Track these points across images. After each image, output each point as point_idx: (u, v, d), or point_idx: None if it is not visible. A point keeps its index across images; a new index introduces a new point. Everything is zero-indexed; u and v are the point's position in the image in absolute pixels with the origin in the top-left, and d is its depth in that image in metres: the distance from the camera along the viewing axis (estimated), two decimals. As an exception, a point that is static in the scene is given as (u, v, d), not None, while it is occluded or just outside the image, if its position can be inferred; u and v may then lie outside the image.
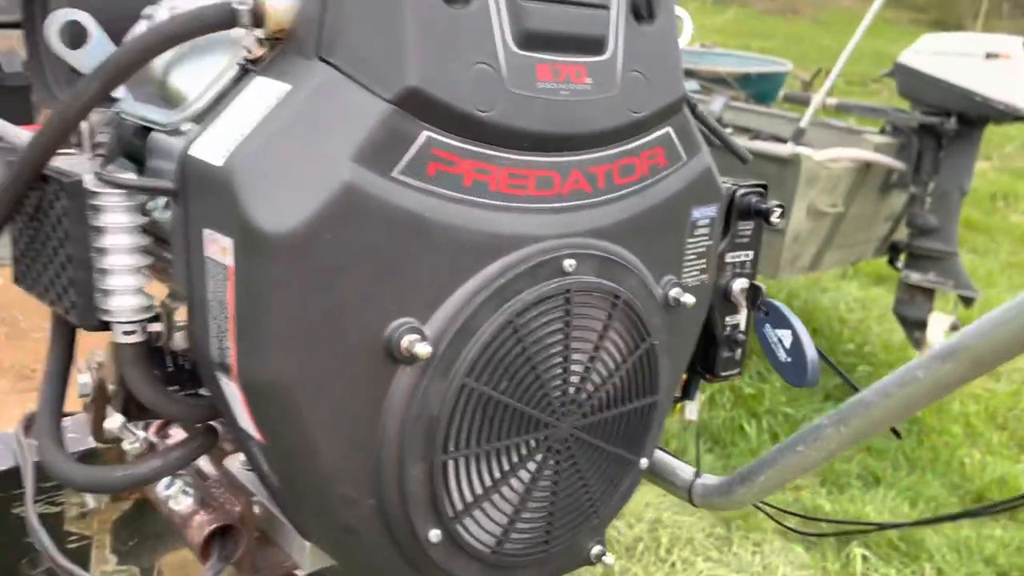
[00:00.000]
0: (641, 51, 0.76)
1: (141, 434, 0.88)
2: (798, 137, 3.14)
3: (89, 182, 0.67)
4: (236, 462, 0.93)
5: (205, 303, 0.66)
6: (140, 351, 0.72)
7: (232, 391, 0.67)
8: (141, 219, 0.69)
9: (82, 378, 1.11)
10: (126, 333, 0.70)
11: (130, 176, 0.69)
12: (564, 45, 0.70)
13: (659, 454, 0.98)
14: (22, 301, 1.71)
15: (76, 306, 0.68)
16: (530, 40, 0.68)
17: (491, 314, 0.69)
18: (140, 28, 0.76)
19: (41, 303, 0.75)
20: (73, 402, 0.91)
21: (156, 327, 0.72)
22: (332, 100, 0.63)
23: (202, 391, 0.82)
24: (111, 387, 0.86)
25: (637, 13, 0.75)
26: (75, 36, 0.80)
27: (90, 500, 1.15)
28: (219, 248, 0.63)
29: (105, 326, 0.71)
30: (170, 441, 0.94)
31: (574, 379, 0.75)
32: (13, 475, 1.13)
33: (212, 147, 0.64)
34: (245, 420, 0.68)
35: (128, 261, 0.69)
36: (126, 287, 0.69)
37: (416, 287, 0.66)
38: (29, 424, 1.14)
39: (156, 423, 0.95)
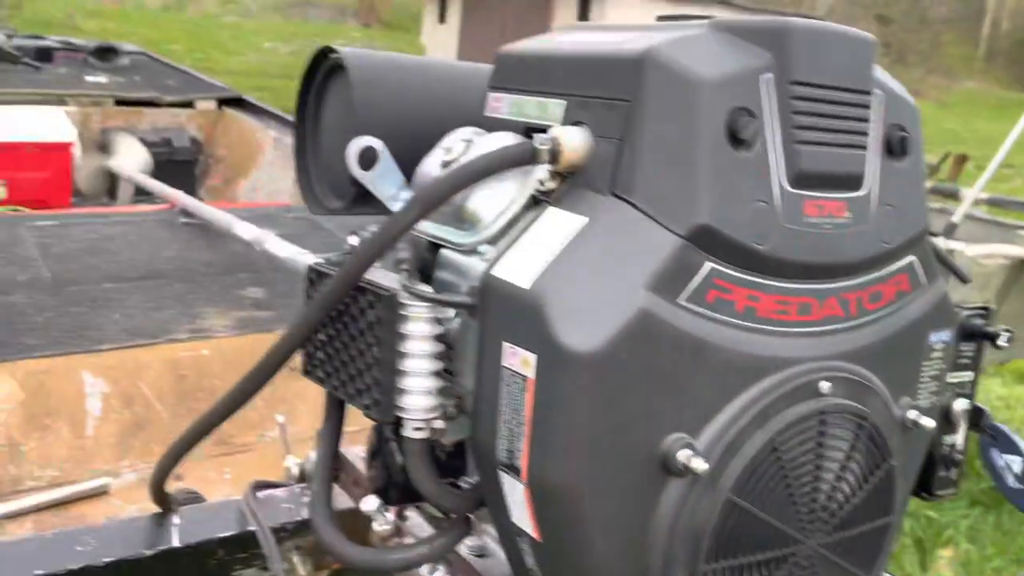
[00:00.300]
0: (893, 186, 0.80)
1: (390, 516, 0.96)
2: (950, 232, 3.08)
3: (402, 295, 0.75)
4: (463, 548, 0.99)
5: (496, 408, 0.73)
6: (425, 446, 0.79)
7: (515, 490, 0.73)
8: (438, 328, 0.78)
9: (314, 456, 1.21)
10: (416, 429, 0.78)
11: (429, 290, 0.77)
12: (828, 183, 0.76)
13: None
14: (222, 371, 1.85)
15: (378, 404, 0.77)
16: (800, 179, 0.74)
17: (754, 432, 0.73)
18: (435, 157, 0.86)
19: (337, 395, 0.84)
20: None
21: (439, 424, 0.80)
22: (628, 233, 0.70)
23: (459, 482, 0.89)
24: (367, 472, 0.94)
25: (891, 151, 0.80)
26: (366, 159, 0.91)
27: (300, 569, 1.24)
28: (519, 361, 0.70)
29: (398, 421, 0.78)
30: (408, 524, 1.01)
31: (821, 497, 0.78)
32: (236, 541, 1.22)
33: (516, 270, 0.72)
34: (522, 517, 0.74)
35: (425, 365, 0.77)
36: (422, 388, 0.77)
37: (690, 404, 0.72)
38: (255, 492, 1.24)
39: (394, 507, 1.02)
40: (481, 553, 0.98)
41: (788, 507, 0.76)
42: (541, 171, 0.76)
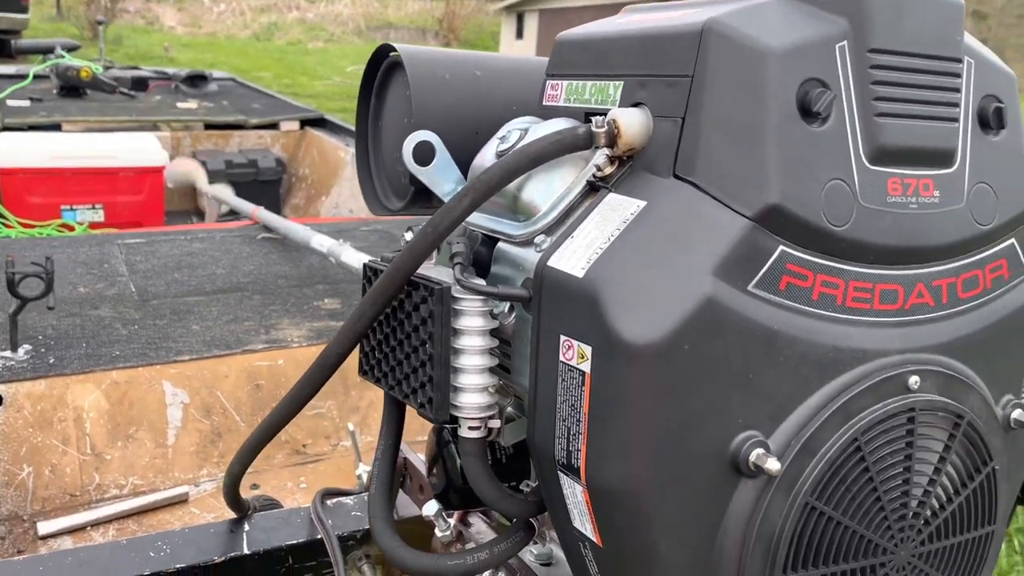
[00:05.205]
0: (988, 162, 0.73)
1: (452, 522, 0.93)
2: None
3: (454, 289, 0.73)
4: (528, 555, 0.96)
5: (553, 405, 0.69)
6: (481, 446, 0.76)
7: (575, 492, 0.69)
8: (493, 323, 0.74)
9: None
10: (471, 428, 0.75)
11: (482, 283, 0.74)
12: (914, 159, 0.70)
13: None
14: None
15: (433, 402, 0.74)
16: (882, 156, 0.68)
17: (835, 431, 0.68)
18: (491, 147, 0.83)
19: (393, 395, 0.82)
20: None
21: (495, 423, 0.76)
22: (691, 216, 0.65)
23: (521, 486, 0.85)
24: (432, 476, 0.92)
25: (985, 124, 0.73)
26: (423, 154, 0.89)
27: (370, 576, 1.22)
28: (576, 354, 0.66)
29: (452, 420, 0.76)
30: (472, 530, 0.98)
31: (913, 504, 0.71)
32: (306, 548, 1.21)
33: (571, 259, 0.68)
34: (583, 521, 0.70)
35: (480, 361, 0.74)
36: (476, 386, 0.74)
37: (762, 400, 0.66)
38: (324, 500, 1.23)
39: (458, 512, 1.00)
40: (547, 561, 0.94)
41: (875, 513, 0.69)
42: (599, 156, 0.72)
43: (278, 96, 6.36)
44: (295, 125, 5.53)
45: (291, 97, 7.12)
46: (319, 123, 5.59)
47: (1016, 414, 0.78)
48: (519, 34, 20.77)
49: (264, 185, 5.13)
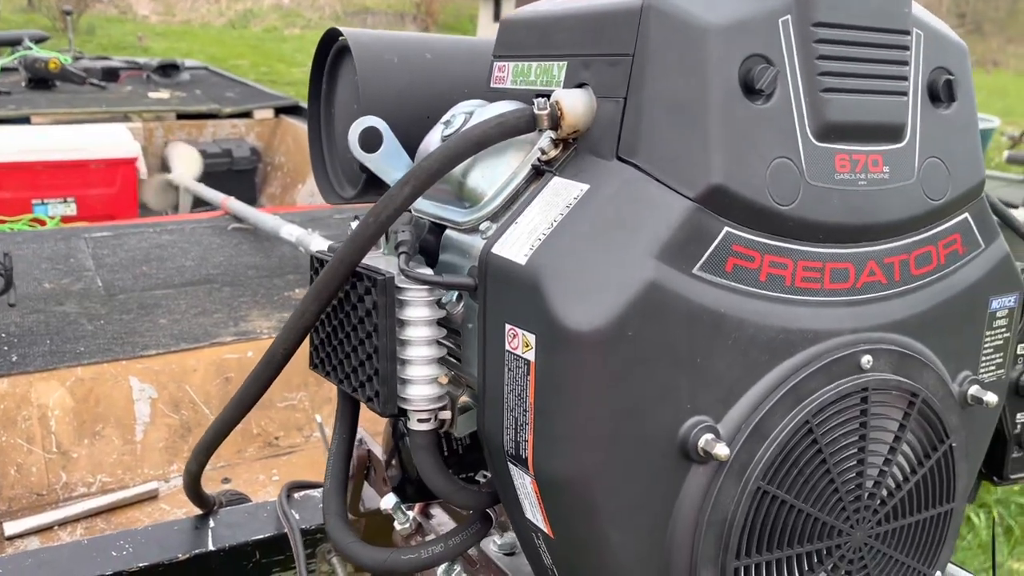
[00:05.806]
0: (939, 136, 0.72)
1: (411, 515, 0.92)
2: (1031, 202, 2.89)
3: (398, 279, 0.71)
4: (492, 545, 0.94)
5: (501, 395, 0.68)
6: (432, 438, 0.75)
7: (525, 483, 0.68)
8: (440, 312, 0.73)
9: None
10: (421, 421, 0.74)
11: (430, 272, 0.73)
12: (862, 135, 0.68)
13: (949, 567, 0.89)
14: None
15: (380, 395, 0.72)
16: (829, 132, 0.66)
17: (786, 414, 0.66)
18: (436, 132, 0.81)
19: (343, 389, 0.80)
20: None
21: (446, 415, 0.75)
22: (634, 199, 0.64)
23: (478, 476, 0.84)
24: (390, 469, 0.90)
25: (935, 97, 0.72)
26: (370, 141, 0.86)
27: (340, 571, 1.21)
28: (521, 343, 0.65)
29: (402, 413, 0.74)
30: (433, 522, 0.97)
31: (869, 484, 0.71)
32: (273, 543, 1.20)
33: (514, 246, 0.66)
34: (534, 512, 0.69)
35: (427, 352, 0.72)
36: (424, 377, 0.72)
37: (711, 385, 0.65)
38: (290, 494, 1.22)
39: (419, 504, 0.98)
40: (511, 551, 0.93)
41: (829, 495, 0.69)
42: (543, 139, 0.71)
43: (252, 84, 6.28)
44: (269, 113, 5.47)
45: (268, 85, 7.03)
46: (294, 111, 5.52)
47: (973, 390, 0.77)
48: (496, 17, 20.64)
49: (239, 175, 5.06)
